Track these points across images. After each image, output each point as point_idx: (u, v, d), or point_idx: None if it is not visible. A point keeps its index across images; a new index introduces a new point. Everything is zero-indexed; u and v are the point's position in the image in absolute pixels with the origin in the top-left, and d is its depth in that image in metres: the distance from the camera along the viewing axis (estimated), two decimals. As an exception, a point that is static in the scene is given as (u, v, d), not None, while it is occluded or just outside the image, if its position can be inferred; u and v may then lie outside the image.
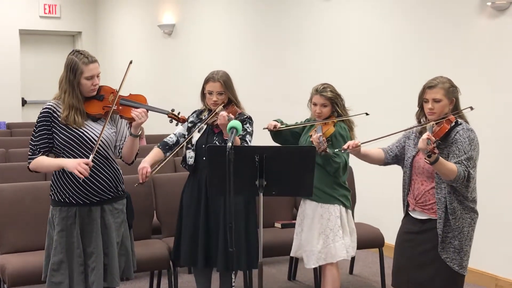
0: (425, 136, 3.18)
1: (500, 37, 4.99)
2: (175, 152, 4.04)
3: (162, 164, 3.99)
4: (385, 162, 3.74)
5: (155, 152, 4.03)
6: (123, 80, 3.43)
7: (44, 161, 3.35)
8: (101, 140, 3.36)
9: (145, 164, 3.88)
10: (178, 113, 3.63)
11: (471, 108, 3.46)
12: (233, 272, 3.25)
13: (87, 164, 3.22)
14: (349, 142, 3.59)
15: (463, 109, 3.47)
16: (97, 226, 3.42)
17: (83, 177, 3.21)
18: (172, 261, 4.36)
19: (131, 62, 3.47)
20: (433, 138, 3.18)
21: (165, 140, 4.11)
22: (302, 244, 4.14)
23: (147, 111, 3.41)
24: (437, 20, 5.50)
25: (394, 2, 5.97)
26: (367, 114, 4.04)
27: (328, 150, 3.78)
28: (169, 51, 9.97)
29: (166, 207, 4.71)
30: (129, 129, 3.50)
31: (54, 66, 9.57)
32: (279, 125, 4.16)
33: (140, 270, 4.09)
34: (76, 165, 3.21)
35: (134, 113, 3.36)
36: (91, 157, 3.28)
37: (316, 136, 3.79)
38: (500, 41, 4.99)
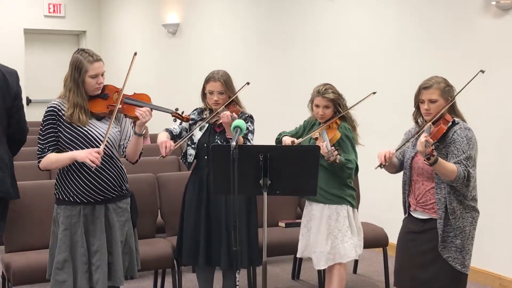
0: (422, 138, 3.18)
1: (504, 37, 4.98)
2: (181, 142, 4.05)
3: (178, 144, 4.00)
4: (397, 170, 3.72)
5: (166, 134, 4.04)
6: (128, 72, 3.43)
7: (53, 158, 3.35)
8: (107, 139, 3.37)
9: (165, 138, 3.89)
10: (182, 112, 3.64)
11: (482, 71, 3.39)
12: (237, 271, 3.25)
13: (98, 153, 3.23)
14: (384, 155, 3.42)
15: (475, 75, 3.36)
16: (101, 225, 3.43)
17: (95, 166, 3.22)
18: (176, 260, 4.37)
19: (135, 54, 3.46)
20: (431, 140, 3.17)
21: (169, 129, 4.11)
22: (310, 245, 4.10)
23: (151, 110, 3.42)
24: (441, 20, 5.50)
25: (398, 2, 5.97)
26: (374, 93, 3.95)
27: (338, 159, 3.74)
28: (173, 50, 9.98)
29: (170, 206, 4.72)
30: (133, 128, 3.51)
31: (59, 65, 9.59)
32: (296, 140, 4.07)
33: (144, 269, 4.09)
34: (88, 154, 3.22)
35: (138, 112, 3.37)
36: (102, 146, 3.29)
37: (324, 146, 3.73)
38: (504, 41, 4.98)
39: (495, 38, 5.05)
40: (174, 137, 4.09)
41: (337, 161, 3.74)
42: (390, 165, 3.63)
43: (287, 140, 4.07)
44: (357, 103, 3.99)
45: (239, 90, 4.04)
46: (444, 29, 5.48)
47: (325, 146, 3.73)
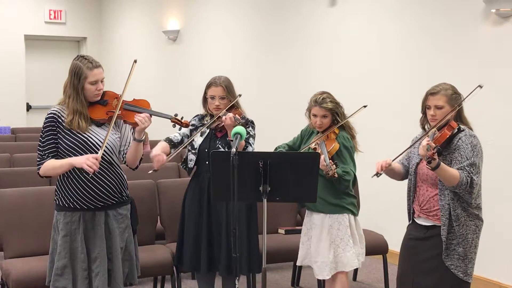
0: (424, 142, 3.18)
1: (504, 44, 4.98)
2: (179, 150, 4.07)
3: (171, 157, 4.01)
4: (402, 177, 3.72)
5: (163, 145, 4.05)
6: (127, 80, 3.44)
7: (53, 164, 3.35)
8: (106, 146, 3.36)
9: (159, 151, 3.89)
10: (182, 118, 3.64)
11: (480, 86, 3.41)
12: (237, 278, 3.25)
13: (96, 159, 3.22)
14: (382, 164, 3.49)
15: (473, 90, 3.38)
16: (101, 231, 3.43)
17: (93, 171, 3.21)
18: (176, 266, 4.36)
19: (135, 61, 3.47)
20: (433, 144, 3.18)
21: (170, 137, 4.12)
22: (310, 255, 4.06)
23: (151, 116, 3.42)
24: (441, 27, 5.51)
25: (399, 9, 5.98)
26: (365, 106, 3.95)
27: (336, 174, 3.69)
28: (173, 56, 9.99)
29: (170, 213, 4.71)
30: (133, 134, 3.51)
31: (59, 72, 9.60)
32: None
33: (144, 275, 4.09)
34: (85, 160, 3.22)
35: (138, 118, 3.36)
36: (100, 152, 3.28)
37: (322, 159, 3.65)
38: (504, 48, 4.99)
39: (495, 46, 5.05)
40: (175, 144, 4.09)
41: (335, 175, 3.70)
42: (392, 173, 3.64)
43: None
44: (349, 116, 3.99)
45: (232, 103, 4.03)
46: (444, 36, 5.49)
47: (323, 159, 3.67)
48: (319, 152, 3.80)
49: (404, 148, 3.68)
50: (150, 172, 3.87)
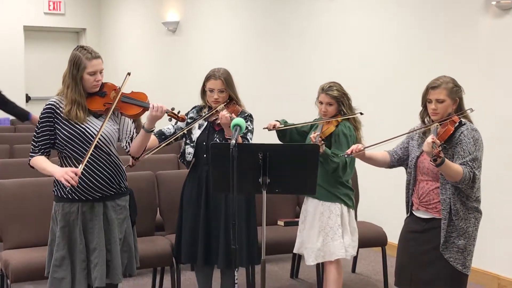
0: (430, 139, 3.16)
1: (504, 37, 4.97)
2: (168, 142, 4.05)
3: (154, 151, 3.99)
4: (390, 165, 3.73)
5: (151, 139, 4.03)
6: (121, 88, 3.45)
7: (40, 164, 3.37)
8: (103, 137, 3.37)
9: None
10: (178, 112, 3.63)
11: (471, 109, 3.46)
12: (236, 269, 3.25)
13: (75, 173, 3.21)
14: (352, 147, 3.60)
15: (465, 111, 3.46)
16: (100, 222, 3.43)
17: (70, 186, 3.20)
18: (175, 257, 4.36)
19: (129, 74, 3.49)
20: (438, 141, 3.16)
21: (162, 129, 4.11)
22: (303, 241, 4.14)
23: (147, 110, 3.43)
24: (442, 20, 5.49)
25: (398, 2, 5.96)
26: (361, 113, 4.05)
27: (321, 149, 3.77)
28: (173, 48, 9.97)
29: (169, 204, 4.71)
30: (133, 123, 3.52)
31: (58, 63, 9.57)
32: (278, 124, 4.10)
33: (143, 266, 4.08)
34: (63, 173, 3.20)
35: (153, 110, 3.39)
36: (81, 166, 3.27)
37: (313, 135, 3.81)
38: (504, 41, 4.97)
39: (495, 38, 5.04)
40: (167, 137, 4.08)
41: (321, 150, 3.76)
42: (372, 161, 3.69)
43: (271, 122, 4.12)
44: (350, 116, 4.04)
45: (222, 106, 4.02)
46: (444, 29, 5.47)
47: (314, 135, 3.79)
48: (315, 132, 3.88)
49: (400, 140, 3.68)
50: (125, 167, 3.84)
